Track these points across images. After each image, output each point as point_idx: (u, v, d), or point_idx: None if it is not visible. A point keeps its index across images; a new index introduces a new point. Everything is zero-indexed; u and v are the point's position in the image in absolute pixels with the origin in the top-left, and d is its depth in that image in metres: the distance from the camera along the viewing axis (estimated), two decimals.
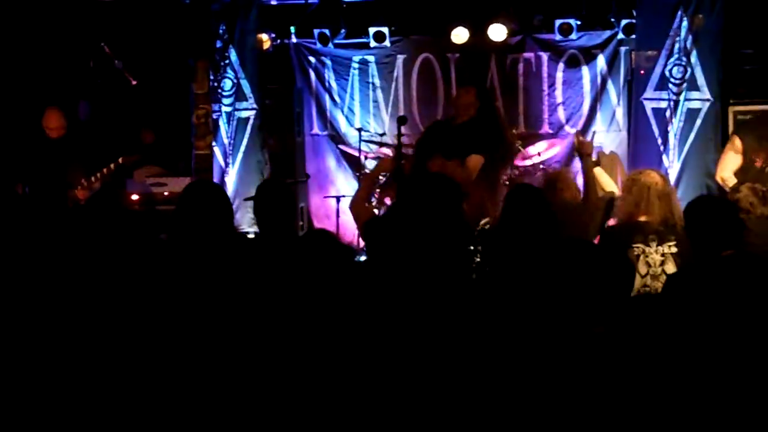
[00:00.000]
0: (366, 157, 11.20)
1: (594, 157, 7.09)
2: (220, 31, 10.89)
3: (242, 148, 11.05)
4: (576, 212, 6.34)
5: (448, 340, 4.33)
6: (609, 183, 6.94)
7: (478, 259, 8.39)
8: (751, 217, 5.72)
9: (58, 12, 10.12)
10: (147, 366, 4.09)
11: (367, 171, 10.62)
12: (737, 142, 7.77)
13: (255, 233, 5.27)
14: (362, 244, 6.45)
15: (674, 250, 5.70)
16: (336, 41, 11.65)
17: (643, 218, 5.88)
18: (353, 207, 6.21)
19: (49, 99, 8.93)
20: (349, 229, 10.17)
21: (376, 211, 9.43)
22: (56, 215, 4.81)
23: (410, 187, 5.34)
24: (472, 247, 8.40)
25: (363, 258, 9.53)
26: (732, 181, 7.59)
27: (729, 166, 7.76)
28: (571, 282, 4.53)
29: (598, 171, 7.05)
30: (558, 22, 11.00)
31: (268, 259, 4.67)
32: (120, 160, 8.68)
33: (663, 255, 5.72)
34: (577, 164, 7.68)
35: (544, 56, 11.45)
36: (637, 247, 5.76)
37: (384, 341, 4.31)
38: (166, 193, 9.32)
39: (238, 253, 4.59)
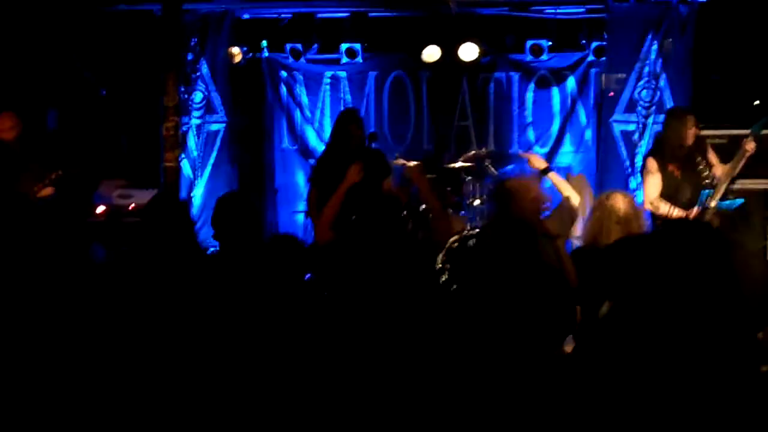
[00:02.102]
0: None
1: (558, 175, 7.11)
2: (192, 44, 10.88)
3: (211, 161, 11.03)
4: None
5: (412, 357, 4.33)
6: (565, 187, 6.93)
7: (446, 277, 8.42)
8: None
9: (29, 21, 10.07)
10: (103, 377, 4.06)
11: None
12: (651, 163, 7.92)
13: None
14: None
15: None
16: (308, 56, 11.63)
17: (604, 243, 5.84)
18: (319, 235, 5.91)
19: (17, 107, 8.85)
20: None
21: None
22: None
23: (364, 210, 5.28)
24: (439, 266, 8.43)
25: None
26: (661, 202, 7.72)
27: (652, 188, 7.86)
28: (537, 304, 4.55)
29: (553, 176, 7.07)
30: (529, 43, 11.04)
31: (226, 273, 4.65)
32: (59, 171, 8.56)
33: None
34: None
35: (515, 76, 11.49)
36: None
37: (346, 355, 4.30)
38: (132, 206, 9.25)
39: (196, 267, 4.56)
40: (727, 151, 7.98)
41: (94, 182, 9.54)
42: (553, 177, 7.05)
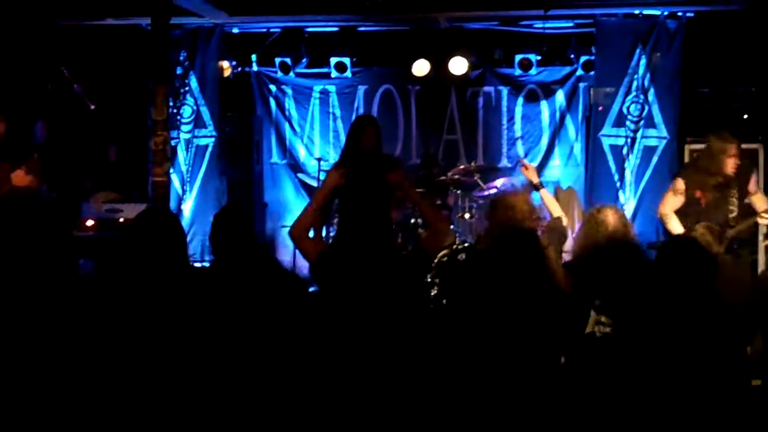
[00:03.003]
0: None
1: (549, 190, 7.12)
2: (181, 58, 10.88)
3: (200, 176, 11.02)
4: None
5: (403, 370, 4.33)
6: (555, 208, 6.93)
7: (436, 291, 8.41)
8: None
9: (18, 33, 10.05)
10: (89, 392, 4.05)
11: None
12: (678, 184, 7.82)
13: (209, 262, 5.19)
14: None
15: None
16: (297, 70, 11.65)
17: None
18: (292, 231, 5.79)
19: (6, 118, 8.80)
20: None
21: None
22: None
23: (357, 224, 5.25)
24: (429, 279, 8.42)
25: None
26: (671, 218, 7.69)
27: (669, 204, 7.81)
28: (528, 319, 4.55)
29: (545, 193, 7.07)
30: (518, 57, 11.07)
31: (221, 289, 4.63)
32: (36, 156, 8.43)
33: None
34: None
35: (504, 90, 11.51)
36: None
37: (338, 371, 4.30)
38: (121, 220, 9.23)
39: (187, 283, 4.54)
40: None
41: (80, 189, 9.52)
42: (545, 195, 7.05)
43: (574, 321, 4.64)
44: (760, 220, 7.61)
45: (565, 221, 6.74)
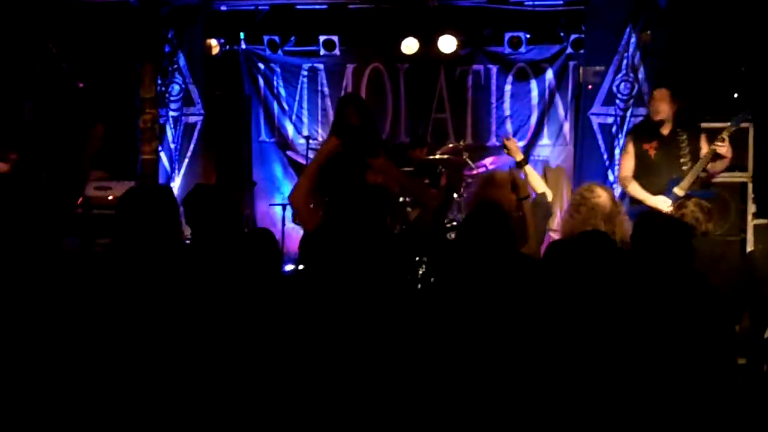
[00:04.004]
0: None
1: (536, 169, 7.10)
2: (169, 36, 10.82)
3: (188, 154, 10.97)
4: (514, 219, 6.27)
5: (391, 349, 4.33)
6: (539, 184, 6.92)
7: (423, 270, 8.41)
8: (696, 233, 5.75)
9: (4, 11, 9.99)
10: (83, 371, 4.04)
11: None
12: (627, 140, 8.07)
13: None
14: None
15: None
16: (285, 48, 11.63)
17: None
18: (293, 197, 5.77)
19: None
20: (295, 237, 10.11)
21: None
22: None
23: (346, 200, 5.24)
24: (417, 258, 8.42)
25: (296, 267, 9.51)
26: (631, 182, 7.76)
27: (626, 166, 7.95)
28: (513, 296, 4.55)
29: (529, 170, 7.06)
30: (507, 36, 11.05)
31: (197, 265, 4.63)
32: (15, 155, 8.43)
33: None
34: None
35: (493, 69, 11.49)
36: None
37: (324, 350, 4.30)
38: (110, 198, 9.20)
39: (176, 259, 4.53)
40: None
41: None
42: (529, 171, 7.04)
43: (548, 294, 4.62)
44: (717, 148, 7.62)
45: (550, 197, 6.72)
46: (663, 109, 7.79)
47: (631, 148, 7.93)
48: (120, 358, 4.10)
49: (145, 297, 4.24)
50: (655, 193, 7.72)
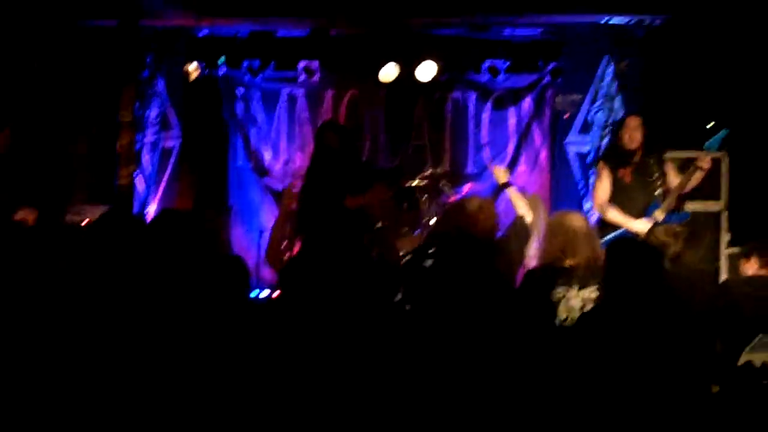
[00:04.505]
0: (291, 187, 11.10)
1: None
2: (148, 60, 10.83)
3: (165, 178, 10.97)
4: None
5: (367, 376, 4.32)
6: (521, 205, 6.89)
7: (400, 297, 8.39)
8: (666, 257, 5.77)
9: None
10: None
11: None
12: (600, 165, 8.06)
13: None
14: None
15: (595, 295, 5.65)
16: (265, 74, 11.61)
17: (568, 262, 5.79)
18: (269, 258, 5.84)
19: None
20: None
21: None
22: None
23: (324, 225, 5.26)
24: (393, 285, 8.40)
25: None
26: (609, 207, 7.80)
27: (601, 192, 7.97)
28: (490, 323, 4.55)
29: (511, 192, 7.04)
30: (486, 64, 11.09)
31: (160, 291, 4.63)
32: None
33: (583, 300, 5.68)
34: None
35: (472, 96, 11.52)
36: (559, 292, 5.66)
37: (297, 375, 4.29)
38: (86, 222, 9.16)
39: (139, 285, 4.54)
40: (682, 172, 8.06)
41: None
42: (512, 193, 7.02)
43: (525, 324, 4.64)
44: (702, 163, 7.67)
45: (529, 219, 6.71)
46: (638, 136, 7.84)
47: (606, 174, 7.96)
48: (84, 386, 4.09)
49: (112, 320, 4.25)
50: (633, 217, 7.77)
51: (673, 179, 7.87)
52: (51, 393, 4.06)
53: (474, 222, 6.09)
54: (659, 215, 7.58)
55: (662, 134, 8.40)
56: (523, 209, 6.77)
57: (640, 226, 7.65)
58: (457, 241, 5.29)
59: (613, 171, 7.93)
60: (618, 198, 7.86)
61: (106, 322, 4.24)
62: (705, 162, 7.61)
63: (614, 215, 7.80)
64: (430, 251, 8.86)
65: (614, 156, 8.04)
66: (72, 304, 4.37)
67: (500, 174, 7.27)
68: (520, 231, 6.59)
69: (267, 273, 10.47)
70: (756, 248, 6.97)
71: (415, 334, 4.66)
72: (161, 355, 4.22)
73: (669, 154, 8.08)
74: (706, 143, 7.63)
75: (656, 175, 7.81)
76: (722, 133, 7.58)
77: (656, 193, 7.76)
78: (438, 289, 4.90)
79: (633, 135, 7.86)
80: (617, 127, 8.10)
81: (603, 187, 7.97)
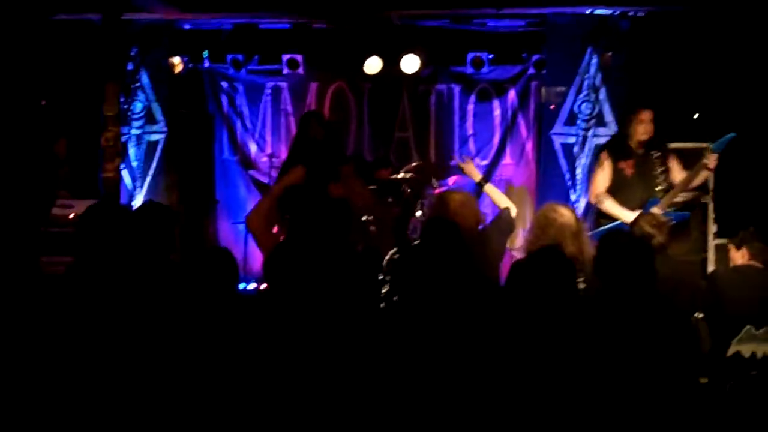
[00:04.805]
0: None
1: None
2: (132, 54, 10.79)
3: (151, 172, 10.95)
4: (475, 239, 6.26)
5: (355, 368, 4.33)
6: (501, 199, 6.87)
7: (387, 288, 8.41)
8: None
9: None
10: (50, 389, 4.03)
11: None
12: (603, 156, 8.05)
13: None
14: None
15: (582, 287, 5.65)
16: (249, 67, 11.60)
17: None
18: (250, 220, 5.84)
19: None
20: (258, 256, 10.09)
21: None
22: None
23: (308, 214, 5.27)
24: (380, 276, 8.43)
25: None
26: (606, 198, 7.80)
27: (600, 182, 7.96)
28: (474, 316, 4.56)
29: (489, 188, 7.02)
30: (470, 56, 11.08)
31: (151, 283, 4.64)
32: None
33: None
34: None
35: (456, 89, 11.53)
36: None
37: (282, 369, 4.29)
38: (71, 216, 9.14)
39: (131, 278, 4.54)
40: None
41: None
42: (490, 190, 7.01)
43: (510, 316, 4.64)
44: (708, 162, 7.67)
45: (513, 213, 6.69)
46: (650, 130, 7.85)
47: (607, 164, 7.95)
48: (78, 375, 4.09)
49: (102, 316, 4.24)
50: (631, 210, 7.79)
51: (677, 175, 7.87)
52: (45, 380, 4.07)
53: (456, 216, 6.09)
54: (658, 211, 7.58)
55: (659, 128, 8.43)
56: (506, 202, 6.76)
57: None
58: (439, 233, 5.29)
59: (615, 162, 7.93)
60: (617, 190, 7.86)
61: (96, 316, 4.25)
62: (712, 161, 7.61)
63: (610, 206, 7.80)
64: (415, 243, 8.92)
65: (618, 147, 8.04)
66: (60, 299, 4.37)
67: (472, 171, 7.21)
68: (503, 224, 6.59)
69: (254, 266, 10.48)
70: (747, 238, 7.00)
71: (402, 326, 4.67)
72: (152, 348, 4.22)
73: (672, 145, 8.09)
74: (713, 145, 7.61)
75: (660, 170, 7.81)
76: (729, 136, 7.55)
77: (657, 188, 7.77)
78: (421, 281, 4.90)
79: (646, 128, 7.86)
80: (627, 119, 8.10)
81: (602, 177, 7.97)
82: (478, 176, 7.17)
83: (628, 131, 7.97)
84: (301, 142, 9.16)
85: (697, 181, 7.89)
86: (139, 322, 4.31)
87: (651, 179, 7.81)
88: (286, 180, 5.91)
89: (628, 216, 7.60)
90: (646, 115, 7.91)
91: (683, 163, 7.97)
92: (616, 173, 7.89)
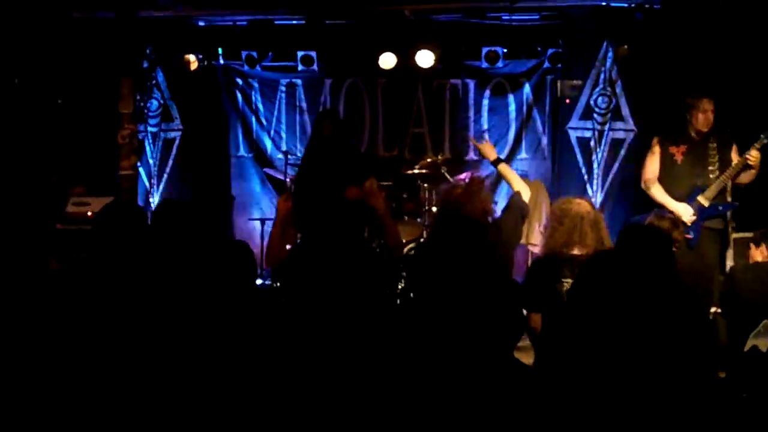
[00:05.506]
0: (292, 181, 11.12)
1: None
2: (147, 52, 10.82)
3: (167, 170, 10.99)
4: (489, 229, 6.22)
5: (370, 366, 4.31)
6: (515, 180, 6.82)
7: (402, 285, 8.41)
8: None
9: None
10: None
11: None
12: (654, 141, 8.07)
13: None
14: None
15: None
16: (264, 64, 11.59)
17: (575, 251, 5.69)
18: (269, 261, 5.98)
19: None
20: None
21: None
22: None
23: (324, 215, 5.27)
24: (396, 273, 8.42)
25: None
26: (653, 185, 7.78)
27: (650, 168, 7.97)
28: (491, 313, 4.54)
29: (503, 167, 7.00)
30: (485, 50, 11.04)
31: (168, 279, 4.64)
32: None
33: None
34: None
35: (471, 83, 11.50)
36: (566, 281, 5.53)
37: (300, 364, 4.28)
38: (89, 213, 9.17)
39: (149, 273, 4.55)
40: None
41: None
42: (504, 169, 6.96)
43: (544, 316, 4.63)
44: (749, 160, 7.65)
45: (526, 197, 6.64)
46: (711, 119, 7.84)
47: (657, 149, 7.95)
48: (95, 371, 4.09)
49: (120, 311, 4.25)
50: (677, 199, 7.76)
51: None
52: (57, 376, 4.07)
53: (462, 207, 6.07)
54: (703, 201, 7.56)
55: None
56: (519, 185, 6.70)
57: (682, 210, 7.65)
58: (450, 224, 5.27)
59: (665, 147, 7.90)
60: (665, 176, 7.84)
61: (115, 313, 4.25)
62: (753, 158, 7.59)
63: (658, 193, 7.80)
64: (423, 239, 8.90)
65: (672, 132, 8.00)
66: (79, 296, 4.38)
67: (488, 150, 7.21)
68: (515, 209, 6.54)
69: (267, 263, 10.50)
70: (766, 235, 6.98)
71: (418, 323, 4.66)
72: (170, 342, 4.22)
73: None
74: (763, 134, 7.59)
75: (715, 157, 7.79)
76: None
77: (711, 177, 7.75)
78: (431, 277, 4.88)
79: (708, 117, 7.84)
80: (687, 105, 8.10)
81: (652, 163, 7.97)
82: (493, 155, 7.15)
83: (688, 118, 7.92)
84: (315, 142, 9.20)
85: (745, 177, 7.84)
86: (156, 318, 4.31)
87: (703, 166, 7.78)
88: (278, 216, 5.99)
89: (674, 206, 7.60)
90: (708, 105, 7.88)
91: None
92: (666, 159, 7.86)
